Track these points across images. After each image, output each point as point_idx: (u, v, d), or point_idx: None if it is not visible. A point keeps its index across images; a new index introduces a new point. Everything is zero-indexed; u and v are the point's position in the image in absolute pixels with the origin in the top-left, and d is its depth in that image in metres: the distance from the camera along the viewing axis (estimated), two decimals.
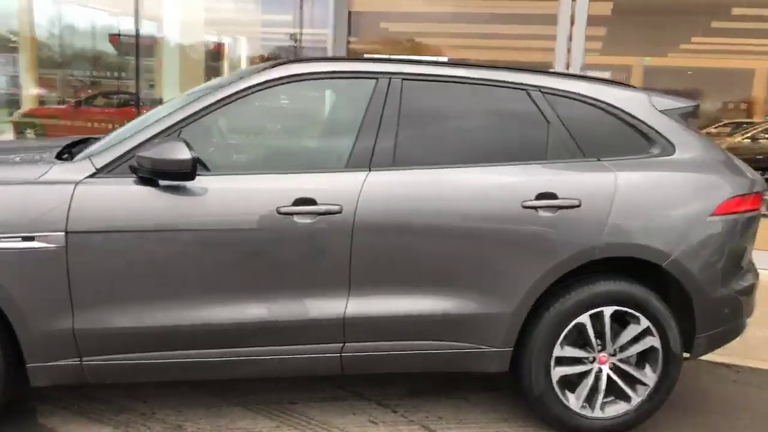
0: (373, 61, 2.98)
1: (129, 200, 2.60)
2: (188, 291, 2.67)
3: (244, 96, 2.78)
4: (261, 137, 3.27)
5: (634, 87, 3.28)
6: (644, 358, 3.00)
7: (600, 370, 2.97)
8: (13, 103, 10.46)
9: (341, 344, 2.80)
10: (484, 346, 2.90)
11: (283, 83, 2.83)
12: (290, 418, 3.04)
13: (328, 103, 3.15)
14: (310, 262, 2.73)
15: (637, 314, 2.93)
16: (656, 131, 3.07)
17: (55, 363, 2.62)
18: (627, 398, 2.99)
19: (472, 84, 2.98)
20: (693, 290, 2.96)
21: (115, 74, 10.53)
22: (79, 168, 2.63)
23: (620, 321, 2.97)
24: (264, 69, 2.88)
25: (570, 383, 2.98)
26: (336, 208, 2.68)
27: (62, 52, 11.14)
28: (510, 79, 3.00)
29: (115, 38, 10.61)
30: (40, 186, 2.57)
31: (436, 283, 2.83)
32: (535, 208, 2.83)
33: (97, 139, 3.03)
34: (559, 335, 2.92)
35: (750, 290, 3.17)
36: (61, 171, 2.62)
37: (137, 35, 8.39)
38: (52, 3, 10.44)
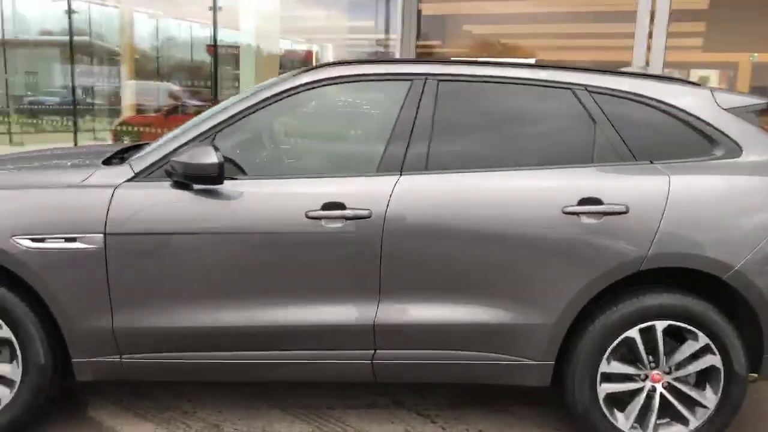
0: (407, 63, 2.92)
1: (164, 203, 2.68)
2: (220, 293, 2.71)
3: (277, 101, 2.79)
4: (293, 141, 3.28)
5: (695, 83, 3.03)
6: (704, 377, 2.76)
7: (653, 389, 2.75)
8: (116, 112, 11.18)
9: (372, 351, 2.75)
10: (523, 359, 2.76)
11: (314, 87, 2.82)
12: (327, 423, 3.02)
13: (361, 106, 3.11)
14: (339, 267, 2.70)
15: (695, 330, 2.71)
16: (720, 131, 2.82)
17: (97, 359, 2.74)
18: (684, 421, 2.76)
19: (512, 84, 2.85)
20: (759, 306, 2.69)
21: (208, 83, 10.99)
22: (119, 172, 2.73)
23: (677, 336, 2.75)
24: (297, 74, 2.88)
25: (619, 401, 2.79)
26: (365, 212, 2.64)
27: (159, 63, 11.78)
28: (553, 78, 2.85)
29: (211, 48, 11.08)
30: (82, 189, 2.69)
31: (471, 291, 2.72)
32: (577, 214, 2.66)
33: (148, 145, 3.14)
34: (605, 350, 2.73)
35: None
36: (102, 175, 2.74)
37: (215, 44, 8.70)
38: (149, 17, 11.05)
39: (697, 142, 2.82)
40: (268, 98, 2.79)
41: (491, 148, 2.85)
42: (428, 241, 2.69)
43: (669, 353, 2.74)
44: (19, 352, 2.69)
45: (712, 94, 2.88)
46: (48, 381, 2.73)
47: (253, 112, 2.79)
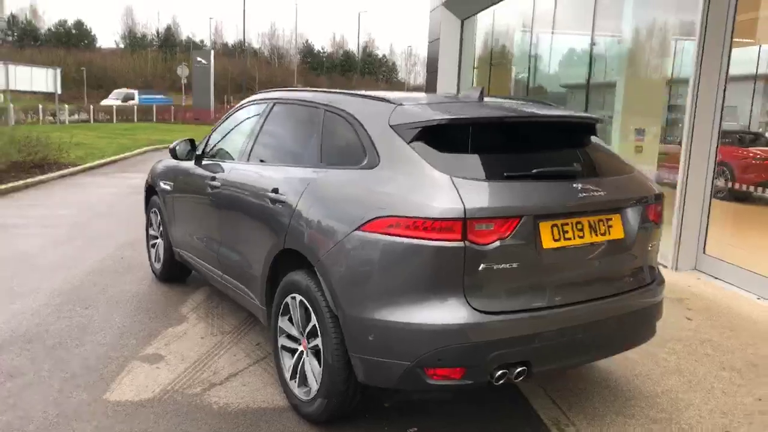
0: (269, 91, 4.28)
1: (175, 169, 5.01)
2: (192, 224, 4.85)
3: (231, 115, 4.70)
4: (237, 137, 4.76)
5: (385, 99, 3.22)
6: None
7: (302, 353, 3.34)
8: None
9: (222, 273, 4.33)
10: (256, 299, 3.82)
11: (244, 107, 4.58)
12: None
13: (259, 121, 4.46)
14: (217, 213, 4.37)
15: (311, 310, 3.19)
16: (373, 144, 3.10)
17: (176, 249, 5.27)
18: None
19: (293, 104, 3.89)
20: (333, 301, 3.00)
21: None
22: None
23: None
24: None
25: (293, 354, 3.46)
26: (217, 183, 4.28)
27: None
28: (307, 99, 3.74)
29: None
30: (176, 163, 5.28)
31: (241, 234, 4.00)
32: (268, 198, 3.58)
33: None
34: (279, 308, 3.49)
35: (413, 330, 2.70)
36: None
37: None
38: None
39: (359, 152, 3.17)
40: (228, 114, 4.71)
41: (272, 150, 3.98)
42: (228, 203, 4.13)
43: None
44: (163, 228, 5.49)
45: (392, 111, 3.12)
46: (169, 251, 5.42)
47: (224, 121, 4.76)
